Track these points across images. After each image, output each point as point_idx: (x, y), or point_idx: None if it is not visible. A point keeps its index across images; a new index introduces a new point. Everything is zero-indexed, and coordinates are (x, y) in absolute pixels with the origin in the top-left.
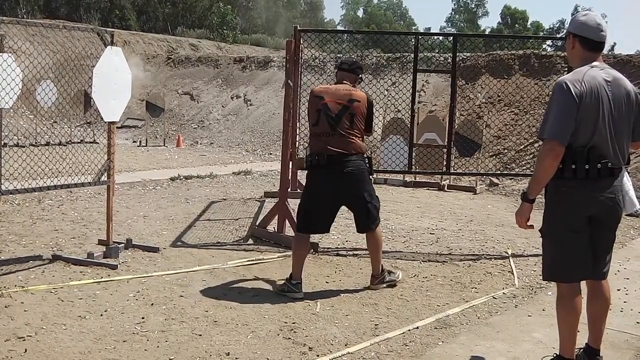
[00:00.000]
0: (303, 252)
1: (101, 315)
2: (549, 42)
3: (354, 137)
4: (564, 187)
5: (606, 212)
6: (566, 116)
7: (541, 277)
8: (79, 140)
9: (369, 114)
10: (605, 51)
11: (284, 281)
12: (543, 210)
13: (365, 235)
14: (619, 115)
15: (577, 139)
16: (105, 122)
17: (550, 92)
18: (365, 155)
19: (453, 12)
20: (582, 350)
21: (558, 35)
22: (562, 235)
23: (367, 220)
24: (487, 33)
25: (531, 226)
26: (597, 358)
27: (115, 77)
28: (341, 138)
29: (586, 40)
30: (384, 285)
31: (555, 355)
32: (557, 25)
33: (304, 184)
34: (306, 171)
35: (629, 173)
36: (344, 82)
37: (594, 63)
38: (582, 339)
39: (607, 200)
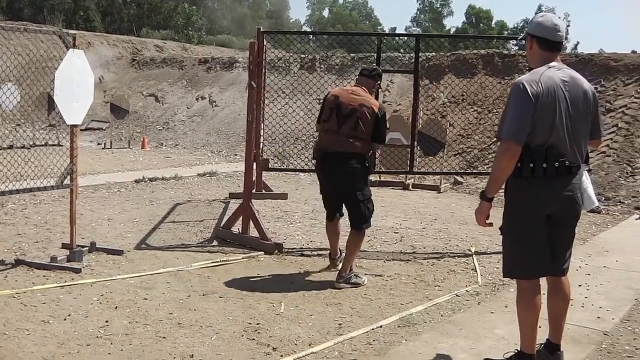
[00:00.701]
0: (334, 234)
1: (65, 319)
2: (513, 41)
3: (355, 140)
4: (522, 186)
5: (565, 209)
6: (523, 116)
7: (502, 275)
8: (42, 143)
9: (377, 123)
10: (568, 50)
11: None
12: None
13: (350, 230)
14: (577, 114)
15: (535, 138)
16: (68, 125)
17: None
18: (364, 158)
19: (418, 12)
20: (543, 345)
21: (520, 36)
22: (521, 233)
23: (357, 220)
24: (451, 33)
25: (490, 224)
26: (557, 353)
27: (78, 79)
28: (342, 138)
29: (543, 41)
30: (348, 286)
31: (516, 351)
32: (522, 24)
33: (268, 185)
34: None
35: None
36: (361, 86)
37: (552, 63)
38: (543, 334)
39: (565, 198)
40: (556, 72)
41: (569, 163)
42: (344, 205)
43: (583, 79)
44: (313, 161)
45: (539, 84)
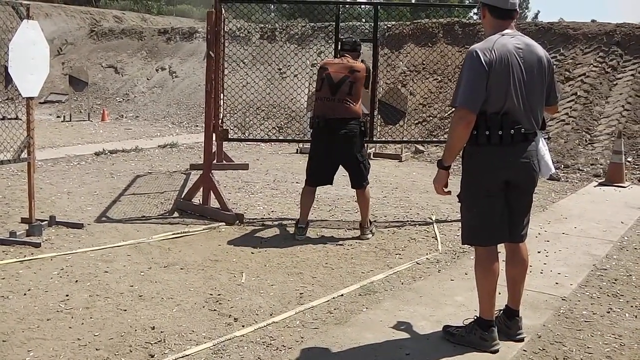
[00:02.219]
0: (309, 201)
1: (24, 294)
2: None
3: (350, 103)
4: (478, 153)
5: (521, 176)
6: (476, 84)
7: (461, 242)
8: (0, 117)
9: (367, 80)
10: (529, 19)
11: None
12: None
13: (356, 192)
14: (531, 81)
15: (490, 105)
16: (24, 98)
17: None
18: (360, 120)
19: None
20: (501, 311)
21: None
22: (477, 200)
23: (359, 178)
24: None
25: (449, 192)
26: (516, 319)
27: (33, 51)
28: (339, 103)
29: (495, 9)
30: (370, 235)
31: (475, 317)
32: None
33: (229, 156)
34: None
35: (549, 139)
36: (345, 56)
37: (506, 31)
38: (502, 300)
39: (521, 164)
40: (510, 40)
41: (525, 130)
42: (331, 180)
43: (537, 46)
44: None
45: (492, 51)
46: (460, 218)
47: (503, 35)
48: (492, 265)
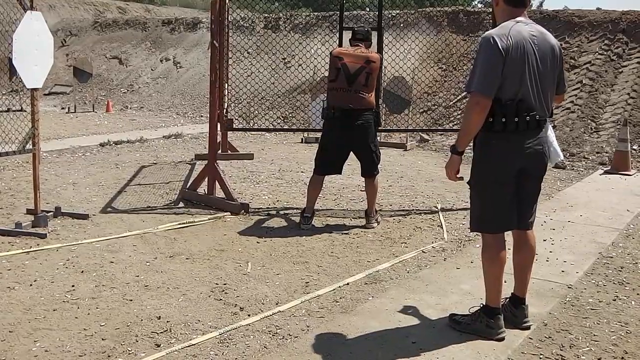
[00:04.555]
0: (316, 190)
1: (30, 285)
2: None
3: (365, 94)
4: (493, 140)
5: (534, 163)
6: (493, 70)
7: (469, 230)
8: (5, 109)
9: (380, 73)
10: (534, 7)
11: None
12: (471, 163)
13: (365, 180)
14: (544, 68)
15: (505, 92)
16: (29, 89)
17: (477, 48)
18: (374, 110)
19: None
20: (507, 299)
21: None
22: (488, 187)
23: (371, 166)
24: None
25: (461, 178)
26: (522, 307)
27: (37, 42)
28: (355, 94)
29: None
30: (376, 224)
31: (482, 305)
32: None
33: (234, 146)
34: (323, 121)
35: (555, 127)
36: (358, 46)
37: (519, 18)
38: (508, 288)
39: (534, 152)
40: (524, 27)
41: (539, 117)
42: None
43: (550, 34)
44: (321, 121)
45: (509, 37)
46: (466, 207)
47: (518, 22)
48: (500, 253)
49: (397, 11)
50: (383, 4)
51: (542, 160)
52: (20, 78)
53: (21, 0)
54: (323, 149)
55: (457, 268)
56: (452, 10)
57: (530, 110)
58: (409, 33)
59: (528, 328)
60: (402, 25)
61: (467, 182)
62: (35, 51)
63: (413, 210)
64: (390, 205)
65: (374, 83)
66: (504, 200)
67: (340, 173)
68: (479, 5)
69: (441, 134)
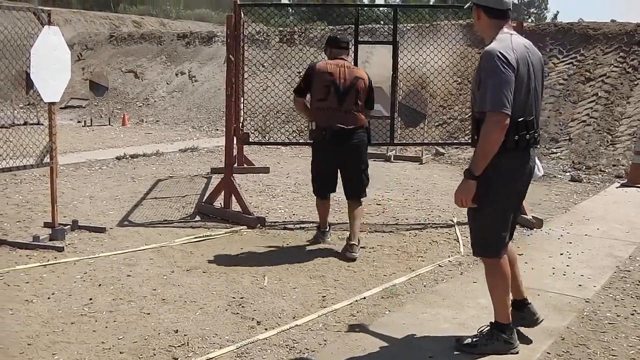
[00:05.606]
0: (326, 209)
1: (48, 298)
2: None
3: (357, 112)
4: (504, 160)
5: (527, 181)
6: (506, 86)
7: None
8: (22, 123)
9: (369, 91)
10: (548, 19)
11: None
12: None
13: (349, 204)
14: (537, 82)
15: (515, 109)
16: (46, 103)
17: (481, 64)
18: (365, 128)
19: None
20: (511, 309)
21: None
22: (499, 208)
23: (359, 187)
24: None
25: (475, 205)
26: (527, 306)
27: (54, 56)
28: (347, 114)
29: (490, 10)
30: (358, 255)
31: (490, 323)
32: None
33: (250, 160)
34: (312, 142)
35: (570, 140)
36: (342, 57)
37: (509, 30)
38: None
39: (530, 169)
40: (518, 39)
41: (537, 134)
42: (337, 184)
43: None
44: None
45: (514, 51)
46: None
47: (512, 34)
48: (507, 270)
49: (412, 24)
50: (398, 17)
51: (531, 177)
52: (36, 92)
53: (39, 15)
54: (318, 175)
55: (474, 282)
56: (466, 24)
57: (535, 126)
58: (424, 47)
59: (540, 322)
60: (417, 38)
61: (474, 203)
62: (52, 65)
63: (429, 223)
64: (407, 219)
65: (362, 101)
66: (509, 220)
67: (334, 191)
68: None
69: (457, 148)
